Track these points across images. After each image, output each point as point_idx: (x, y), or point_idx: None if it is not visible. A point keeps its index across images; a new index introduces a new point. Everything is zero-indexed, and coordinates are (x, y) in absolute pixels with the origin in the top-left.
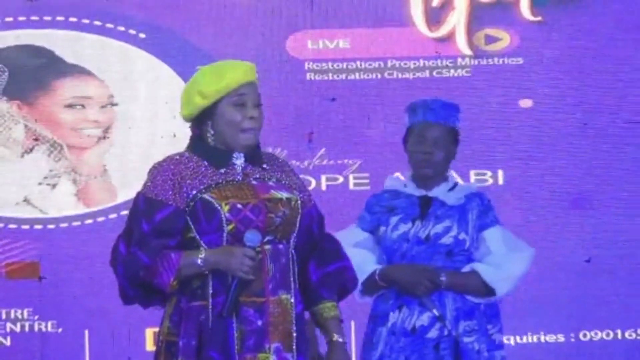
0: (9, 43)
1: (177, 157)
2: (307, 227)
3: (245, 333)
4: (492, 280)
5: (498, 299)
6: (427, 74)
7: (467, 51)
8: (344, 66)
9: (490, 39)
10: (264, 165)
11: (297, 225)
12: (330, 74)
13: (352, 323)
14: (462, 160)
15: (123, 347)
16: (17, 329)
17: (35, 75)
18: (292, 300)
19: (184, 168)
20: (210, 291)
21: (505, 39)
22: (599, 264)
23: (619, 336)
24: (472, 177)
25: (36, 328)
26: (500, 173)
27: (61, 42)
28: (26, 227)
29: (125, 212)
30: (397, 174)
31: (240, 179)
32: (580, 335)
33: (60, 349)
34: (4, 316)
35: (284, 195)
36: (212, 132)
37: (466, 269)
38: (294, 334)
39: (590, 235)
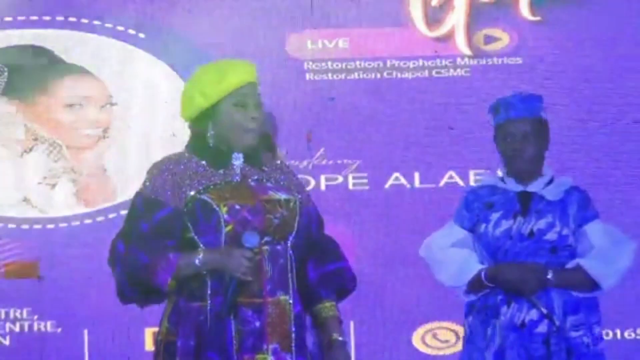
0: (8, 43)
1: (176, 157)
2: (306, 227)
3: (243, 334)
4: (598, 275)
5: (603, 293)
6: (426, 73)
7: (467, 51)
8: (344, 66)
9: (489, 39)
10: (263, 167)
11: (296, 226)
12: (329, 74)
13: (352, 323)
14: (461, 161)
15: (122, 347)
16: (17, 328)
17: (34, 75)
18: (291, 300)
19: (182, 168)
20: (209, 292)
21: (504, 38)
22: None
23: (618, 336)
24: (472, 177)
25: (35, 328)
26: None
27: (60, 42)
28: (25, 226)
29: (124, 212)
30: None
31: (239, 179)
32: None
33: (60, 349)
34: (3, 316)
35: (282, 196)
36: (212, 132)
37: (571, 264)
38: (293, 335)
39: None
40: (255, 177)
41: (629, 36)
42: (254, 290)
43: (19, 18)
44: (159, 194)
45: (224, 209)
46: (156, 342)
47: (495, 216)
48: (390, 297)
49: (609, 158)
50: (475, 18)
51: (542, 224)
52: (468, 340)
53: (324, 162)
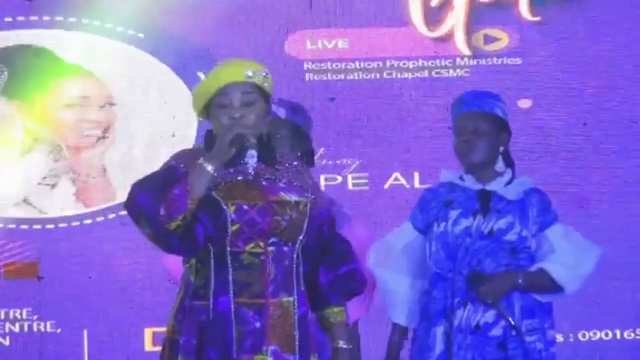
0: (8, 43)
1: (192, 151)
2: (318, 228)
3: (243, 334)
4: (562, 279)
5: (566, 298)
6: (425, 74)
7: (466, 51)
8: (343, 66)
9: (489, 39)
10: (277, 166)
11: (304, 228)
12: (329, 74)
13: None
14: None
15: (122, 347)
16: (16, 329)
17: (34, 76)
18: (295, 302)
19: (194, 160)
20: (212, 290)
21: (504, 39)
22: (598, 264)
23: (618, 336)
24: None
25: (35, 328)
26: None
27: (60, 42)
28: (25, 227)
29: (124, 213)
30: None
31: (251, 178)
32: (579, 336)
33: (59, 349)
34: (2, 316)
35: (292, 197)
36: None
37: (534, 268)
38: (296, 336)
39: (589, 235)
40: (268, 177)
41: (629, 36)
42: (256, 291)
43: (19, 18)
44: (177, 164)
45: (232, 208)
46: (163, 340)
47: (454, 214)
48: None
49: (610, 158)
50: (475, 18)
51: (502, 223)
52: (417, 352)
53: (323, 162)
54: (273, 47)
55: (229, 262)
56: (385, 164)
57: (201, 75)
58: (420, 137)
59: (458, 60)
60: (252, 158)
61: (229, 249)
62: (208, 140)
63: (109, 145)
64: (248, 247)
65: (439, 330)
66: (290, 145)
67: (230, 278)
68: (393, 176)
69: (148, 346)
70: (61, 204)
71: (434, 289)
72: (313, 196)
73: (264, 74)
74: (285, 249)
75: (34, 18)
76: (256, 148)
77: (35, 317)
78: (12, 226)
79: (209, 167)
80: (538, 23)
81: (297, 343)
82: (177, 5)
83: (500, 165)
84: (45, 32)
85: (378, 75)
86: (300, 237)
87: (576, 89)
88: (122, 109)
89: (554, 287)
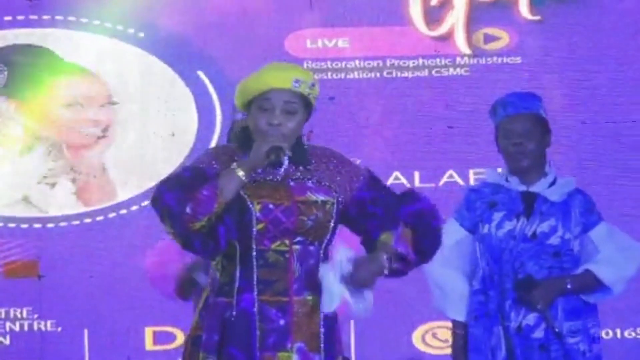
0: (7, 42)
1: (224, 148)
2: (361, 207)
3: (266, 331)
4: (608, 279)
5: (613, 298)
6: (426, 72)
7: (466, 50)
8: (343, 65)
9: (489, 38)
10: (309, 166)
11: (330, 228)
12: (329, 73)
13: (352, 322)
14: (461, 160)
15: (122, 346)
16: (17, 328)
17: (34, 75)
18: (320, 301)
19: (227, 159)
20: (236, 287)
21: (504, 38)
22: None
23: (618, 335)
24: (472, 176)
25: (35, 327)
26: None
27: (60, 41)
28: (25, 226)
29: (124, 212)
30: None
31: (280, 179)
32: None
33: (60, 348)
34: (3, 315)
35: (319, 197)
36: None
37: (580, 269)
38: (322, 336)
39: None
40: (296, 177)
41: (628, 35)
42: (280, 289)
43: (19, 17)
44: (207, 165)
45: (258, 207)
46: (186, 338)
47: (498, 216)
48: (390, 297)
49: (608, 157)
50: (475, 17)
51: (545, 226)
52: (473, 349)
53: None
54: (273, 46)
55: (254, 259)
56: (385, 163)
57: (201, 75)
58: (421, 136)
59: (458, 59)
60: (284, 162)
61: (254, 246)
62: (242, 137)
63: (108, 145)
64: (274, 245)
65: (501, 331)
66: None
67: (255, 276)
68: (393, 175)
69: (149, 345)
70: (61, 203)
71: (489, 289)
72: (347, 187)
73: (312, 83)
74: (311, 248)
75: (33, 17)
76: (289, 154)
77: (35, 316)
78: (13, 225)
79: (241, 173)
80: (538, 22)
81: (322, 342)
82: (177, 4)
83: (547, 166)
84: (45, 32)
85: (378, 74)
86: (327, 237)
87: (575, 88)
88: (121, 108)
89: (601, 288)
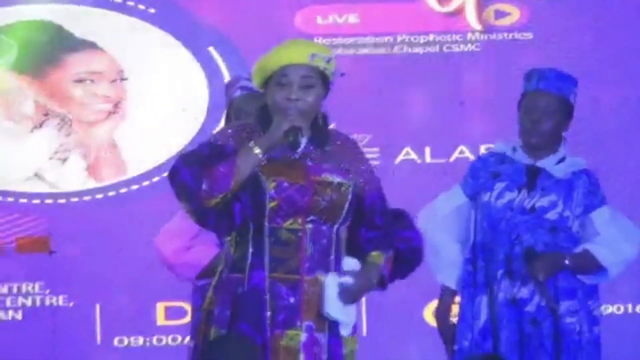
0: (18, 18)
1: (242, 125)
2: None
3: (276, 309)
4: (606, 261)
5: (609, 280)
6: (437, 49)
7: (477, 26)
8: (354, 41)
9: (500, 14)
10: (327, 148)
11: (344, 211)
12: (340, 49)
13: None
14: (472, 135)
15: (134, 321)
16: (29, 303)
17: (44, 50)
18: None
19: (245, 136)
20: (248, 264)
21: (515, 13)
22: None
23: (630, 310)
24: (482, 151)
25: (47, 302)
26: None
27: (70, 16)
28: (37, 201)
29: (135, 187)
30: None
31: (297, 157)
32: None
33: (72, 323)
34: (15, 290)
35: (335, 179)
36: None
37: (579, 249)
38: None
39: None
40: (314, 157)
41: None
42: (292, 267)
43: None
44: (225, 142)
45: (272, 185)
46: (200, 315)
47: (499, 186)
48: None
49: (620, 135)
50: None
51: (545, 201)
52: (461, 318)
53: None
54: (283, 22)
55: (267, 237)
56: (396, 138)
57: (212, 51)
58: (432, 112)
59: (469, 35)
60: (302, 142)
61: (267, 224)
62: (261, 113)
63: (120, 120)
64: (286, 224)
65: (484, 299)
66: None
67: (267, 253)
68: (404, 151)
69: (160, 320)
70: (72, 178)
71: (478, 259)
72: (362, 180)
73: (328, 58)
74: (324, 227)
75: None
76: (309, 133)
77: (47, 291)
78: (24, 201)
79: (258, 151)
80: None
81: (327, 322)
82: None
83: (560, 146)
84: (56, 7)
85: (389, 51)
86: (340, 219)
87: (587, 64)
88: (132, 84)
89: (598, 269)
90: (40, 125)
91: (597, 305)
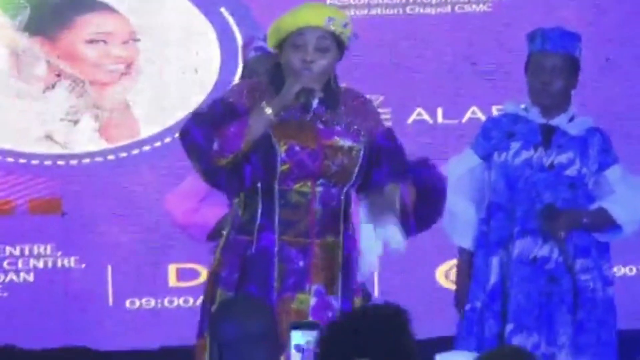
0: None
1: (256, 83)
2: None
3: (286, 272)
4: (621, 219)
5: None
6: (448, 9)
7: None
8: (366, 1)
9: None
10: (339, 109)
11: (354, 174)
12: (352, 10)
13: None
14: (484, 96)
15: (146, 282)
16: (40, 264)
17: (56, 12)
18: (341, 244)
19: (258, 95)
20: (257, 225)
21: None
22: None
23: None
24: (495, 113)
25: (59, 264)
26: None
27: None
28: (48, 163)
29: (147, 148)
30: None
31: (308, 119)
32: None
33: (83, 285)
34: (27, 252)
35: (346, 143)
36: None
37: (594, 206)
38: (340, 279)
39: None
40: (325, 119)
41: None
42: (301, 230)
43: None
44: (237, 101)
45: (283, 148)
46: (208, 274)
47: (515, 145)
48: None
49: (632, 94)
50: None
51: (563, 158)
52: (474, 278)
53: None
54: None
55: (277, 199)
56: (408, 99)
57: (224, 11)
58: (444, 73)
59: None
60: (314, 104)
61: (277, 186)
62: (274, 74)
63: (132, 81)
64: (296, 186)
65: (495, 260)
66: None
67: (277, 215)
68: (416, 111)
69: (172, 282)
70: (84, 139)
71: (492, 218)
72: (373, 137)
73: (344, 22)
74: (334, 190)
75: None
76: (321, 95)
77: (59, 253)
78: (36, 162)
79: (269, 112)
80: None
81: (339, 285)
82: None
83: (569, 104)
84: None
85: (401, 11)
86: (350, 182)
87: (599, 23)
88: (144, 45)
89: (613, 227)
90: (53, 87)
91: (608, 265)
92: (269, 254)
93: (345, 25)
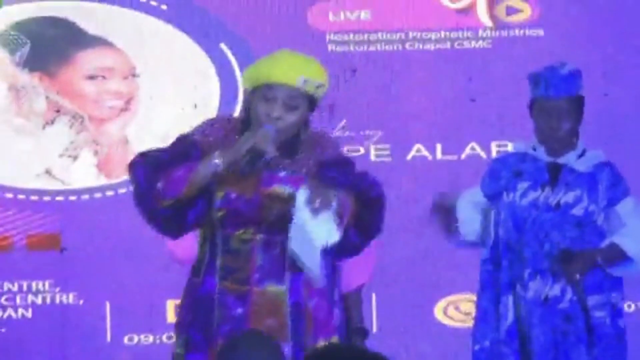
0: (30, 14)
1: (227, 121)
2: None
3: (223, 319)
4: (632, 252)
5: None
6: (448, 45)
7: (488, 22)
8: (365, 37)
9: (511, 10)
10: (300, 155)
11: None
12: (351, 45)
13: (374, 295)
14: (483, 132)
15: (144, 319)
16: (38, 300)
17: (56, 47)
18: (287, 291)
19: (222, 135)
20: (203, 269)
21: (526, 10)
22: None
23: None
24: (494, 149)
25: (57, 300)
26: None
27: (82, 13)
28: (47, 198)
29: None
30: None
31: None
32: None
33: (81, 321)
34: (25, 288)
35: (287, 191)
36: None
37: (606, 243)
38: (289, 325)
39: None
40: (274, 163)
41: None
42: (241, 277)
43: None
44: (199, 137)
45: (219, 195)
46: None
47: (523, 186)
48: (411, 270)
49: (633, 130)
50: None
51: (570, 197)
52: (480, 319)
53: (345, 134)
54: (295, 18)
55: (219, 244)
56: (407, 135)
57: (223, 47)
58: (443, 109)
59: (480, 31)
60: (259, 166)
61: (220, 232)
62: (245, 114)
63: (131, 117)
64: (238, 233)
65: (509, 299)
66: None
67: (219, 260)
68: (415, 147)
69: (170, 318)
70: (83, 175)
71: (503, 258)
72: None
73: (319, 84)
74: (277, 238)
75: None
76: (274, 154)
77: (57, 289)
78: (35, 198)
79: (218, 161)
80: None
81: (290, 332)
82: None
83: (577, 140)
84: (68, 4)
85: (400, 47)
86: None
87: (598, 61)
88: (144, 81)
89: (626, 261)
90: (52, 122)
91: (620, 298)
92: (211, 299)
93: (318, 87)
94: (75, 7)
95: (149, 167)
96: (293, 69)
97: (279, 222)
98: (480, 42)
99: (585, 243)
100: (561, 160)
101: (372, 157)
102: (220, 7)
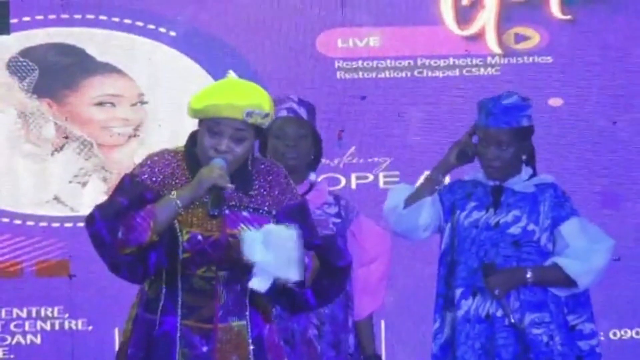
0: (39, 41)
1: (172, 156)
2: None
3: (189, 357)
4: (575, 274)
5: (583, 290)
6: (457, 72)
7: (497, 50)
8: (374, 64)
9: (520, 38)
10: (251, 192)
11: None
12: (360, 72)
13: (382, 322)
14: None
15: None
16: (48, 327)
17: (65, 74)
18: (248, 325)
19: (169, 173)
20: (161, 306)
21: (535, 37)
22: (630, 263)
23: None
24: None
25: (66, 326)
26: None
27: (91, 40)
28: (56, 225)
29: None
30: None
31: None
32: (610, 334)
33: (91, 347)
34: (34, 314)
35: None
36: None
37: (548, 262)
38: (252, 357)
39: (620, 234)
40: (233, 203)
41: None
42: (205, 316)
43: (50, 17)
44: (147, 178)
45: (185, 237)
46: (120, 344)
47: (470, 206)
48: (419, 295)
49: (637, 158)
50: (506, 17)
51: (509, 217)
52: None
53: (354, 161)
54: (304, 45)
55: (180, 284)
56: (416, 162)
57: (232, 74)
58: (452, 136)
59: (489, 58)
60: (223, 205)
61: (180, 272)
62: (189, 145)
63: (140, 144)
64: (200, 271)
65: (449, 316)
66: (308, 146)
67: (180, 300)
68: (424, 175)
69: None
70: (92, 202)
71: (451, 277)
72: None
73: (265, 114)
74: (237, 273)
75: (65, 16)
76: (232, 187)
77: (66, 315)
78: (44, 224)
79: (178, 203)
80: (569, 22)
81: None
82: (209, 3)
83: (522, 166)
84: (77, 30)
85: (409, 74)
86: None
87: (606, 88)
88: (152, 107)
89: (568, 281)
90: (61, 149)
91: (582, 319)
92: (171, 339)
93: (265, 116)
94: (84, 34)
95: (109, 219)
96: (238, 104)
97: (241, 261)
98: (489, 69)
99: (522, 262)
100: (506, 184)
101: (381, 184)
102: (229, 33)
